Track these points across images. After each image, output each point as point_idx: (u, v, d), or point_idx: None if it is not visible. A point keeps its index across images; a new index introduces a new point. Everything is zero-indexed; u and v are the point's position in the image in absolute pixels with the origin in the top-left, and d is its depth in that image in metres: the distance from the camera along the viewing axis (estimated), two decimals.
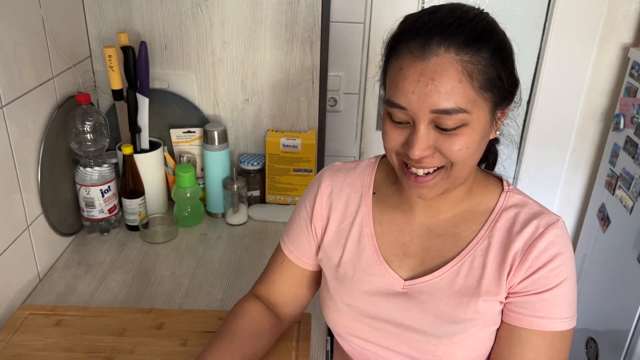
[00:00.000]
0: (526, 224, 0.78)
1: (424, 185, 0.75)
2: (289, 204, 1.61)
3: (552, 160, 2.02)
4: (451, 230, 0.82)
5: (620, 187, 1.83)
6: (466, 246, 0.80)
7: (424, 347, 0.81)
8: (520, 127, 2.00)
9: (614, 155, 1.88)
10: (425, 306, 0.80)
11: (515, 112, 0.80)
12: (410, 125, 0.72)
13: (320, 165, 1.63)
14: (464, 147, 0.71)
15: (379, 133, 2.02)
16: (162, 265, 1.36)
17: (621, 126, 1.84)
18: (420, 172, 0.74)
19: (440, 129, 0.71)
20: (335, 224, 0.89)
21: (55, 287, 1.26)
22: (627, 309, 1.78)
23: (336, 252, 0.89)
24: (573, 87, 1.91)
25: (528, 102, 1.96)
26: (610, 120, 1.94)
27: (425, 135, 0.71)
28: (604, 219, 1.93)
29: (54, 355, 1.01)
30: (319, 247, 0.93)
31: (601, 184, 1.95)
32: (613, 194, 1.87)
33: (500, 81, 0.72)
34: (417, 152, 0.71)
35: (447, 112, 0.69)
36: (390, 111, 0.73)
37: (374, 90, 1.91)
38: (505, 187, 0.84)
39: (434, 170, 0.74)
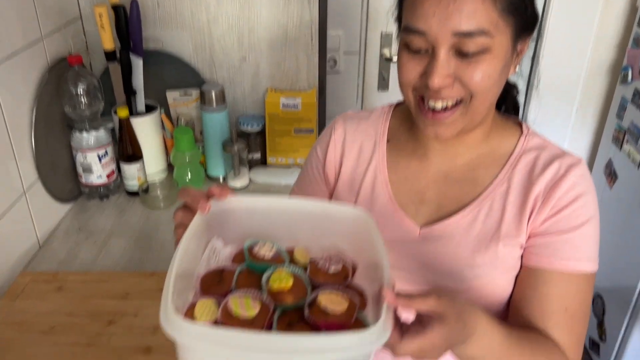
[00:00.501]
0: (547, 166, 0.76)
1: (442, 122, 0.72)
2: (290, 166, 1.58)
3: (557, 116, 1.98)
4: (469, 174, 0.80)
5: (627, 141, 1.79)
6: (484, 190, 0.78)
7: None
8: (525, 83, 1.96)
9: (622, 108, 1.83)
10: (442, 252, 0.78)
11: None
12: (429, 54, 0.69)
13: (321, 126, 1.59)
14: (486, 76, 0.68)
15: (381, 94, 1.98)
16: (163, 230, 1.33)
17: (629, 79, 1.79)
18: (439, 105, 0.71)
19: (461, 54, 0.67)
20: (348, 172, 0.87)
21: (56, 254, 1.24)
22: (634, 265, 1.77)
23: (349, 200, 0.86)
24: (579, 40, 1.86)
25: (532, 57, 1.91)
26: (618, 73, 1.89)
27: (445, 61, 0.68)
28: (611, 175, 1.90)
29: (56, 319, 0.99)
30: (331, 196, 0.90)
31: (608, 139, 1.92)
32: (620, 149, 1.84)
33: (523, 3, 0.69)
34: (436, 80, 0.68)
35: (469, 34, 0.65)
36: (408, 40, 0.70)
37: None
38: (525, 131, 0.81)
39: (453, 106, 0.71)
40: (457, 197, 0.80)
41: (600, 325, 1.96)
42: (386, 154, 0.86)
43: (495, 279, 0.76)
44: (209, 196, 0.67)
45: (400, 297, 0.57)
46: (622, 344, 1.89)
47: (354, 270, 0.69)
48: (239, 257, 0.70)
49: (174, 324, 0.51)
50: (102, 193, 1.43)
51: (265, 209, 0.70)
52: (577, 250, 0.74)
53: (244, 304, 0.58)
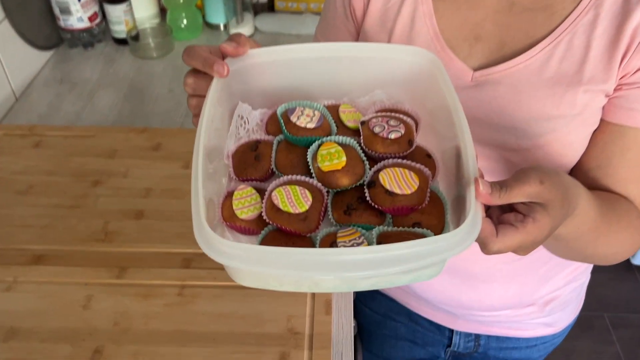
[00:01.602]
0: None
1: None
2: (302, 12, 1.36)
3: None
4: (542, 1, 0.60)
5: None
6: (563, 21, 0.59)
7: (499, 154, 0.64)
8: None
9: None
10: (502, 102, 0.61)
11: None
12: None
13: None
14: None
15: None
16: (157, 82, 1.16)
17: None
18: None
19: None
20: (379, 4, 0.68)
21: (35, 107, 1.09)
22: None
23: (380, 40, 0.68)
24: None
25: None
26: None
27: None
28: None
29: (34, 178, 0.86)
30: (357, 38, 0.72)
31: None
32: None
33: None
34: None
35: None
36: None
37: None
38: None
39: None
40: (526, 30, 0.61)
41: None
42: None
43: (570, 135, 0.60)
44: (223, 54, 0.53)
45: (495, 191, 0.43)
46: None
47: (416, 126, 0.55)
48: (272, 125, 0.57)
49: (215, 246, 0.40)
50: (85, 40, 1.24)
51: (296, 60, 0.56)
52: None
53: (293, 197, 0.46)
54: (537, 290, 0.78)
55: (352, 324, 0.71)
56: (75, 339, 0.65)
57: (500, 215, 0.46)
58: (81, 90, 1.14)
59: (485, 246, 0.44)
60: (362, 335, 0.96)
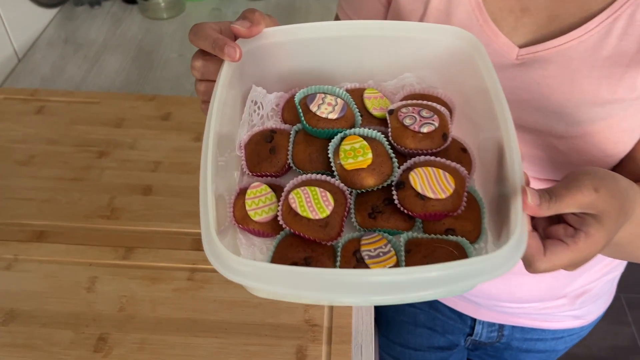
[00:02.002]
0: None
1: None
2: None
3: None
4: None
5: None
6: None
7: (544, 141, 0.57)
8: None
9: None
10: (551, 83, 0.55)
11: None
12: None
13: None
14: None
15: None
16: (167, 45, 1.10)
17: None
18: None
19: None
20: None
21: (38, 69, 1.03)
22: None
23: (413, 13, 0.61)
24: None
25: None
26: None
27: None
28: None
29: (35, 147, 0.81)
30: (387, 10, 0.65)
31: None
32: None
33: None
34: None
35: None
36: None
37: None
38: None
39: None
40: (580, 2, 0.54)
41: None
42: None
43: (625, 121, 0.54)
44: (235, 35, 0.47)
45: (544, 201, 0.37)
46: None
47: (450, 115, 0.49)
48: (288, 112, 0.51)
49: (226, 263, 0.35)
50: None
51: (315, 40, 0.49)
52: None
53: (312, 200, 0.41)
54: (569, 283, 0.73)
55: (373, 315, 0.66)
56: (78, 325, 0.61)
57: (547, 228, 0.41)
58: (86, 52, 1.08)
59: (531, 265, 0.39)
60: (380, 321, 0.92)
